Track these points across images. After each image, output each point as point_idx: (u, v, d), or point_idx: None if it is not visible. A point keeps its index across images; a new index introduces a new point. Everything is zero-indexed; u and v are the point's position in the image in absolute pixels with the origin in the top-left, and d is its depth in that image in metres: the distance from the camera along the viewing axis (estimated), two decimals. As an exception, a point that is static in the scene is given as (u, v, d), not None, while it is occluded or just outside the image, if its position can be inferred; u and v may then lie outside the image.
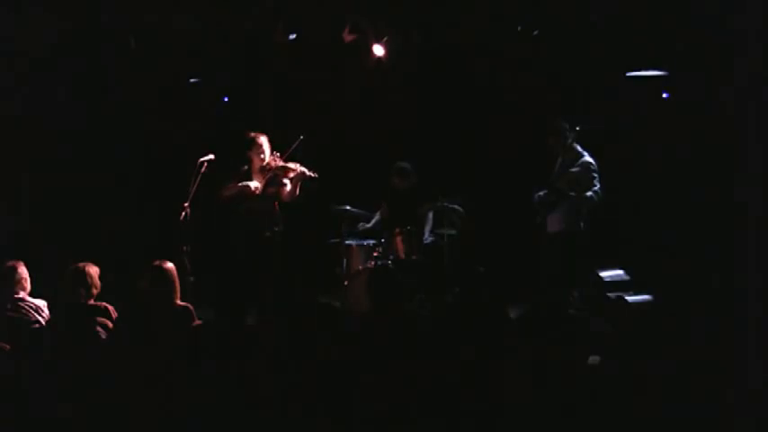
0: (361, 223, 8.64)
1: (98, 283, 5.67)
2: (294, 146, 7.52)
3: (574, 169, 7.50)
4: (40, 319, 5.77)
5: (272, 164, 7.53)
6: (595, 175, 7.47)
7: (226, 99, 9.99)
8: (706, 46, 7.76)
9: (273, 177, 7.51)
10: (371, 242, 8.39)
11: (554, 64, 8.74)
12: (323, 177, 7.51)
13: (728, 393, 4.37)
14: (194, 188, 7.22)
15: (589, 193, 7.41)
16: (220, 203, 7.50)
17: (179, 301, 5.65)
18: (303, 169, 7.45)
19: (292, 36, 8.47)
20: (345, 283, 8.16)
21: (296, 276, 8.13)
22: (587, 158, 7.51)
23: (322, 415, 4.30)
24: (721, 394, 4.37)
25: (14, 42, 7.96)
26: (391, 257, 8.21)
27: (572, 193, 7.46)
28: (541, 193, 7.67)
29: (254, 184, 7.45)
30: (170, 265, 5.71)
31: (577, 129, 7.57)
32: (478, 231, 8.59)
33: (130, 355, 4.96)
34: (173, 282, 5.65)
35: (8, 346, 5.22)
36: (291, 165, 7.47)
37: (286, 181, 7.51)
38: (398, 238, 8.29)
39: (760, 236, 7.10)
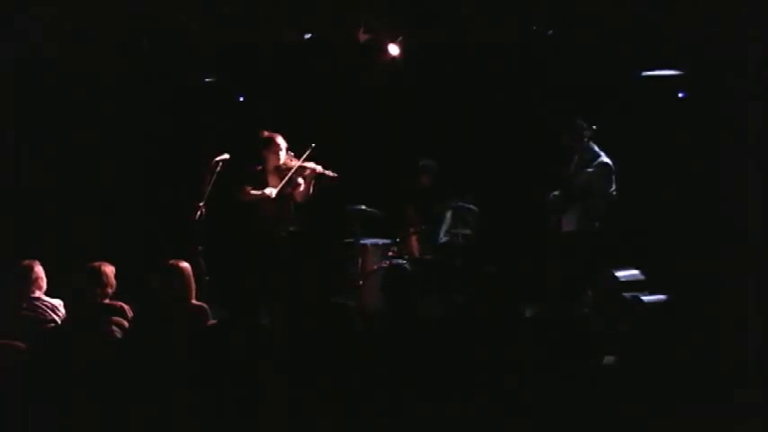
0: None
1: (114, 282, 5.67)
2: (306, 154, 7.51)
3: (589, 169, 7.45)
4: (55, 318, 5.78)
5: (288, 164, 7.52)
6: (612, 176, 7.42)
7: (241, 98, 10.00)
8: (721, 45, 7.72)
9: (290, 178, 7.50)
10: (386, 242, 8.39)
11: (570, 63, 8.70)
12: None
13: (743, 394, 4.35)
14: (209, 188, 7.24)
15: (603, 195, 7.38)
16: (237, 202, 7.52)
17: (194, 301, 5.67)
18: (320, 169, 7.44)
19: (307, 35, 8.47)
20: (360, 282, 8.16)
21: (310, 276, 8.11)
22: (604, 159, 7.44)
23: (334, 414, 4.30)
24: (736, 394, 4.35)
25: (22, 38, 7.98)
26: (406, 257, 8.21)
27: (586, 194, 7.42)
28: (556, 193, 7.64)
29: (270, 191, 7.44)
30: (185, 264, 5.72)
31: (594, 128, 7.53)
32: (493, 231, 8.57)
33: (145, 355, 4.97)
34: (188, 281, 5.66)
35: (23, 345, 5.23)
36: (309, 164, 7.47)
37: (301, 180, 7.51)
38: (414, 238, 8.29)
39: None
